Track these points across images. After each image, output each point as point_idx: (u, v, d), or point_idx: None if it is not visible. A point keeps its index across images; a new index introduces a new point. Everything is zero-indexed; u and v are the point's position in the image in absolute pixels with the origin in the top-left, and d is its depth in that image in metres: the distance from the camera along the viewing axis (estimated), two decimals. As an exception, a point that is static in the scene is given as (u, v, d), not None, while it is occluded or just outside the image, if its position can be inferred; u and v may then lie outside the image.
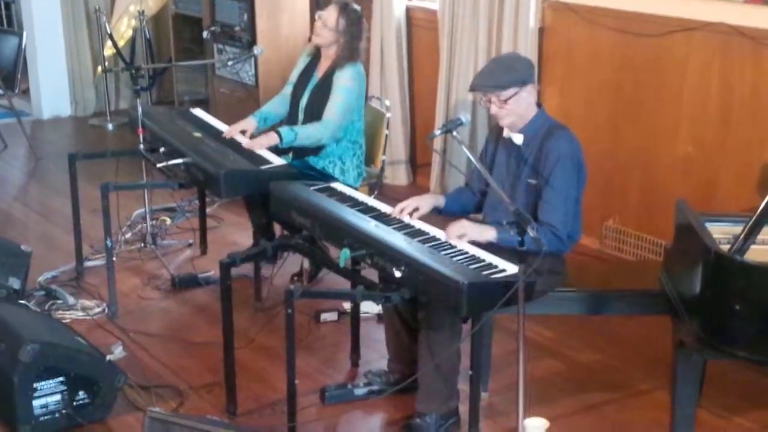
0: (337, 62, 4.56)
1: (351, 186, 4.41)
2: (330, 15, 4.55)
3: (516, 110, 3.52)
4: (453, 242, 3.40)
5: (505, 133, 3.62)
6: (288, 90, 4.80)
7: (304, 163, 4.53)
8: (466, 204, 3.81)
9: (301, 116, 4.66)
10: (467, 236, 3.42)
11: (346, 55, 4.54)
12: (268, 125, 4.74)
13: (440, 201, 3.76)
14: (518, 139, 3.57)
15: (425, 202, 3.69)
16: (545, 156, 3.49)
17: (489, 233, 3.45)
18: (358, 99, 4.59)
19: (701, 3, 4.59)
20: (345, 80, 4.53)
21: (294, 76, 4.80)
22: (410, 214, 3.64)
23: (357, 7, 4.62)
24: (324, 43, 4.58)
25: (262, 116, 4.77)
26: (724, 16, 4.49)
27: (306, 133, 4.48)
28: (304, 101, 4.66)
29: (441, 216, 3.75)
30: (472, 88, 3.61)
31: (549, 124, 3.59)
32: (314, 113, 4.57)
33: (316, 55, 4.71)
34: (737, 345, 3.05)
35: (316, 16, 4.65)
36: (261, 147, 4.44)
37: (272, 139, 4.44)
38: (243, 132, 4.62)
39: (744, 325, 3.01)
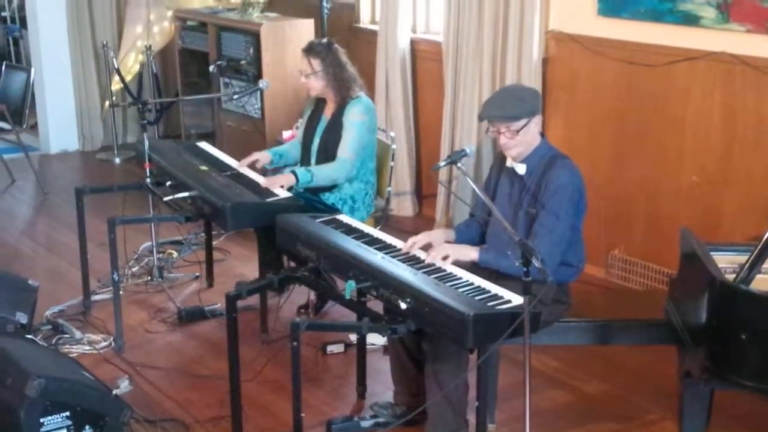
0: (343, 99, 4.58)
1: (359, 222, 4.42)
2: (303, 64, 4.61)
3: (524, 141, 3.55)
4: (438, 264, 3.44)
5: (508, 162, 3.64)
6: (301, 134, 4.83)
7: (313, 196, 4.55)
8: (474, 236, 3.81)
9: (313, 159, 4.67)
10: (450, 257, 3.46)
11: (345, 85, 4.57)
12: (282, 163, 4.77)
13: (451, 236, 3.76)
14: (521, 169, 3.59)
15: (437, 238, 3.69)
16: (546, 185, 3.51)
17: (471, 254, 3.50)
18: (370, 133, 4.61)
19: (704, 33, 4.62)
20: (356, 115, 4.54)
21: (303, 122, 4.83)
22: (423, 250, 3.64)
23: (322, 41, 4.68)
24: (318, 91, 4.62)
25: (278, 153, 4.80)
26: (727, 45, 4.52)
27: (322, 174, 4.49)
28: (315, 144, 4.68)
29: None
30: (483, 118, 3.60)
31: (551, 154, 3.61)
32: (328, 154, 4.58)
33: (319, 102, 4.74)
34: (744, 375, 3.03)
35: (299, 73, 4.67)
36: (277, 186, 4.45)
37: (289, 179, 4.45)
38: (255, 162, 4.63)
39: (750, 354, 3.00)
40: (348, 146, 4.51)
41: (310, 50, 4.61)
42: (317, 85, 4.60)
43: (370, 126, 4.60)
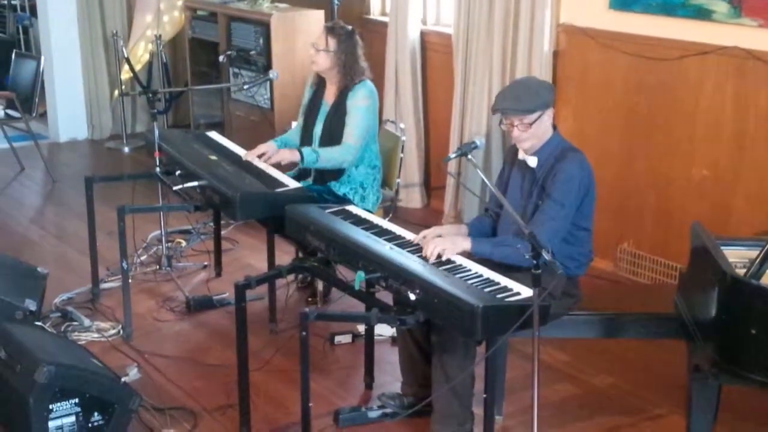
0: (345, 84, 4.58)
1: (369, 211, 4.42)
2: (320, 39, 4.60)
3: (537, 134, 3.54)
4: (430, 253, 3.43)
5: (520, 155, 3.63)
6: (301, 120, 4.83)
7: (324, 188, 4.55)
8: (487, 230, 3.77)
9: (316, 145, 4.66)
10: (445, 252, 3.44)
11: (350, 74, 4.56)
12: None
13: (463, 231, 3.73)
14: (532, 161, 3.58)
15: (448, 232, 3.67)
16: (554, 177, 3.51)
17: (464, 244, 3.49)
18: (374, 117, 4.61)
19: (715, 27, 4.60)
20: (360, 101, 4.54)
21: (302, 107, 4.84)
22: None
23: (346, 25, 4.67)
24: (322, 68, 4.61)
25: (283, 141, 4.80)
26: (738, 40, 4.50)
27: (327, 156, 4.49)
28: (318, 130, 4.67)
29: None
30: (497, 111, 3.57)
31: (563, 147, 3.60)
32: (332, 139, 4.57)
33: (320, 84, 4.74)
34: (753, 369, 3.02)
35: (310, 45, 4.68)
36: (281, 157, 4.44)
37: (294, 154, 4.45)
38: (262, 155, 4.64)
39: (760, 349, 2.99)
40: (354, 132, 4.51)
41: (332, 29, 4.61)
42: (323, 64, 4.59)
43: (374, 110, 4.61)
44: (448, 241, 3.50)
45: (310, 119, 4.74)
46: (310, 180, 4.65)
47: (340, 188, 4.56)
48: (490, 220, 3.80)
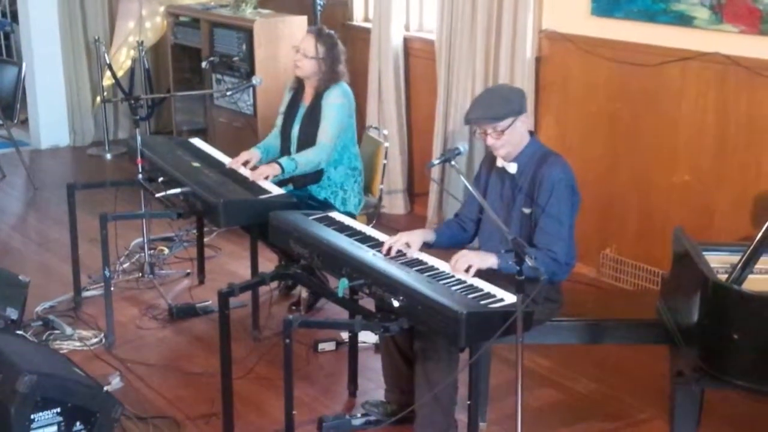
0: (322, 86, 4.60)
1: (352, 213, 4.42)
2: (308, 44, 4.60)
3: (511, 140, 3.54)
4: (460, 276, 3.38)
5: (499, 162, 3.63)
6: (280, 122, 4.83)
7: (304, 193, 4.55)
8: (456, 236, 3.77)
9: (293, 146, 4.68)
10: (473, 266, 3.40)
11: (328, 78, 4.59)
12: (271, 157, 4.76)
13: (430, 236, 3.71)
14: (512, 168, 3.58)
15: (416, 237, 3.64)
16: (539, 184, 3.51)
17: (490, 260, 3.45)
18: (349, 117, 4.63)
19: (696, 33, 4.63)
20: (333, 99, 4.57)
21: (282, 110, 4.84)
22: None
23: (331, 31, 4.69)
24: (307, 73, 4.62)
25: (265, 148, 4.80)
26: (719, 46, 4.53)
27: (305, 160, 4.51)
28: (295, 131, 4.69)
29: (433, 249, 3.73)
30: (469, 121, 3.60)
31: (542, 152, 3.60)
32: (308, 140, 4.60)
33: (299, 88, 4.75)
34: (736, 374, 3.04)
35: (294, 49, 4.68)
36: (262, 177, 4.45)
37: (275, 169, 4.46)
38: (246, 162, 4.64)
39: (742, 354, 3.01)
40: (328, 130, 4.53)
41: (320, 34, 4.62)
42: (309, 69, 4.60)
43: (349, 110, 4.63)
44: (477, 256, 3.47)
45: (288, 121, 4.76)
46: (290, 185, 4.65)
47: (320, 192, 4.57)
48: (459, 225, 3.79)
